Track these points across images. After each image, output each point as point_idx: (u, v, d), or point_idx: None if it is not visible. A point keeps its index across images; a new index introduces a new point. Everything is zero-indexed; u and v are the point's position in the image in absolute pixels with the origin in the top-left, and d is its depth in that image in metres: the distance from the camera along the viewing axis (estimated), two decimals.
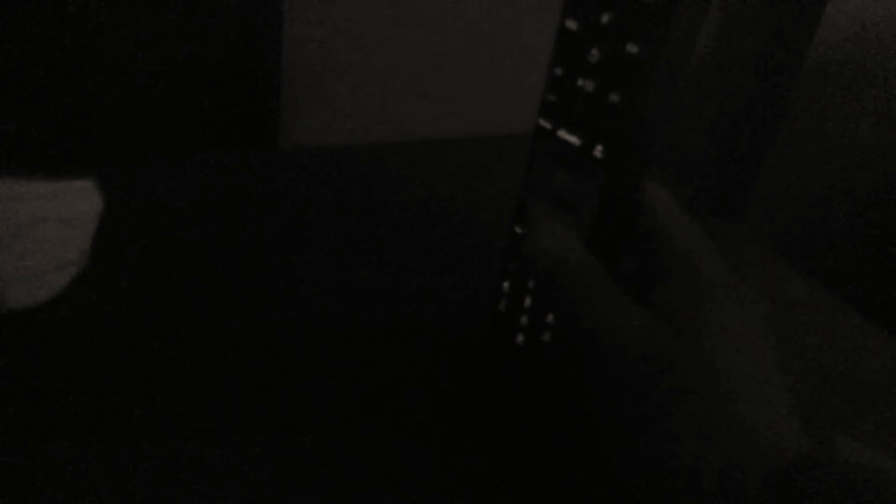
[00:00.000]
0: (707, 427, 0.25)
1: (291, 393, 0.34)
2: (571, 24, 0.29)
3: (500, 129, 1.39)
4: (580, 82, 0.28)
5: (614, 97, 0.27)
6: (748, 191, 1.65)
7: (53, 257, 0.39)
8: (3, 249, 0.39)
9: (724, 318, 0.27)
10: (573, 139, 0.29)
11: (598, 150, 0.28)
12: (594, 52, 0.28)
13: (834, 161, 1.59)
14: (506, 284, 0.35)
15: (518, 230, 0.34)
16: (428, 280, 0.44)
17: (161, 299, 0.39)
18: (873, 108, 1.56)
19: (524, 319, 0.35)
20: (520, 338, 0.35)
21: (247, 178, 0.53)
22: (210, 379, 0.34)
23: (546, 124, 0.30)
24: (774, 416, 0.26)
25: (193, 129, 1.04)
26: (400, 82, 1.28)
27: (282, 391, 0.34)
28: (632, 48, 0.26)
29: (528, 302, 0.34)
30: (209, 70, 0.99)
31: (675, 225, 0.30)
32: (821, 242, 1.66)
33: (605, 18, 0.27)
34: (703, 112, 1.55)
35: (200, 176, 0.53)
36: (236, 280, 0.42)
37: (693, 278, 0.28)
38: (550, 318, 0.33)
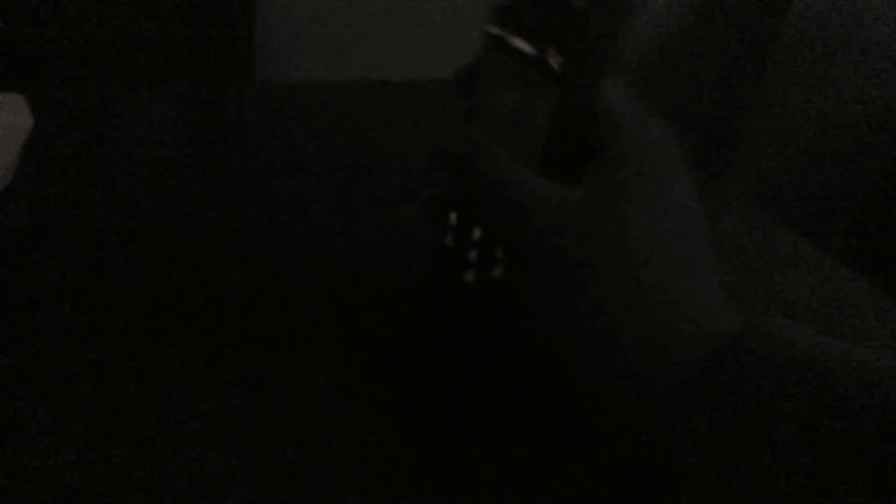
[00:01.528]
0: (636, 302, 0.24)
1: (263, 344, 0.32)
2: None
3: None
4: None
5: None
6: (731, 147, 1.63)
7: None
8: None
9: (663, 191, 0.26)
10: (526, 47, 0.26)
11: (553, 59, 0.26)
12: None
13: (816, 118, 1.57)
14: (452, 216, 0.33)
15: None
16: (390, 218, 0.42)
17: (104, 237, 0.37)
18: (853, 68, 1.53)
19: (473, 255, 0.33)
20: (469, 276, 0.33)
21: (208, 109, 0.51)
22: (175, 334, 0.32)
23: (496, 31, 0.27)
24: (706, 293, 0.25)
25: (167, 65, 1.00)
26: (373, 21, 1.24)
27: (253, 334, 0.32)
28: None
29: (477, 234, 0.32)
30: (183, 5, 0.95)
31: (625, 111, 0.28)
32: (803, 198, 1.66)
33: None
34: (685, 67, 1.53)
35: (167, 105, 0.50)
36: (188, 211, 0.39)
37: (633, 149, 0.26)
38: (499, 251, 0.31)
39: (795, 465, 0.21)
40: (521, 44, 0.27)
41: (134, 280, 0.34)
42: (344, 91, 0.57)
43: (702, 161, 1.62)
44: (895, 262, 1.58)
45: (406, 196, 0.44)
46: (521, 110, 0.28)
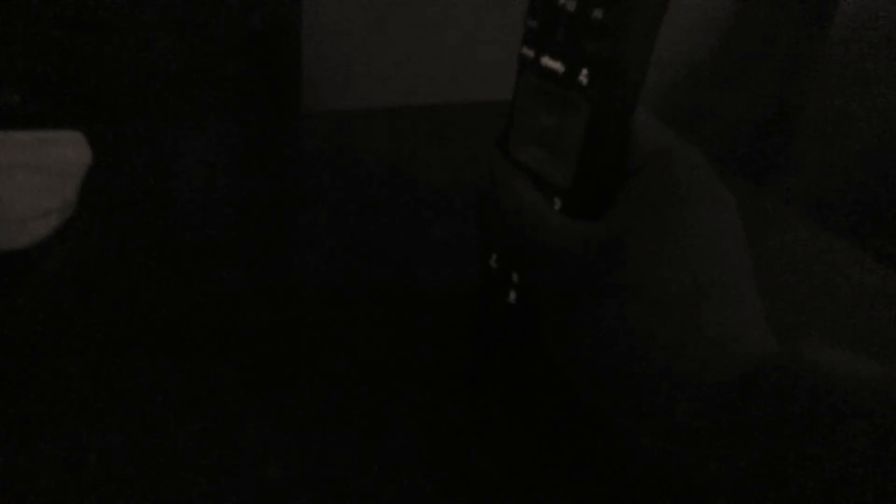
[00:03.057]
0: (673, 328, 0.24)
1: (292, 350, 0.32)
2: None
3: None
4: (561, 1, 0.26)
5: (597, 14, 0.25)
6: (780, 153, 1.59)
7: (36, 205, 0.38)
8: None
9: (698, 217, 0.26)
10: (556, 66, 0.27)
11: (584, 76, 0.26)
12: None
13: (870, 122, 1.52)
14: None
15: None
16: (438, 241, 0.42)
17: (154, 267, 0.38)
18: None
19: (516, 276, 0.33)
20: (512, 296, 0.33)
21: (258, 140, 0.52)
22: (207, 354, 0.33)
23: (529, 52, 0.28)
24: (742, 317, 0.25)
25: (217, 99, 1.03)
26: (417, 47, 1.26)
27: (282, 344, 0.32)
28: None
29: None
30: (230, 39, 0.98)
31: (658, 136, 0.28)
32: (855, 206, 1.60)
33: None
34: (732, 72, 1.50)
35: (217, 138, 0.51)
36: (234, 244, 0.41)
37: (667, 176, 0.26)
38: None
39: (828, 489, 0.20)
40: (553, 64, 0.27)
41: (187, 311, 0.35)
42: (390, 117, 0.58)
43: (749, 169, 1.59)
44: None
45: (453, 220, 0.44)
46: (557, 131, 0.28)
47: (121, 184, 0.44)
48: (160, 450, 0.27)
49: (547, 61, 0.27)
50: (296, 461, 0.27)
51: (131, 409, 0.29)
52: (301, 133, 0.54)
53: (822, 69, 1.50)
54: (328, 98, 1.25)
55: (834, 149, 1.55)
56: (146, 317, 0.34)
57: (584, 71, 0.26)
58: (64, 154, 0.42)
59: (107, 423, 0.28)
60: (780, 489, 0.21)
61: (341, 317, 0.35)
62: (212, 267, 0.38)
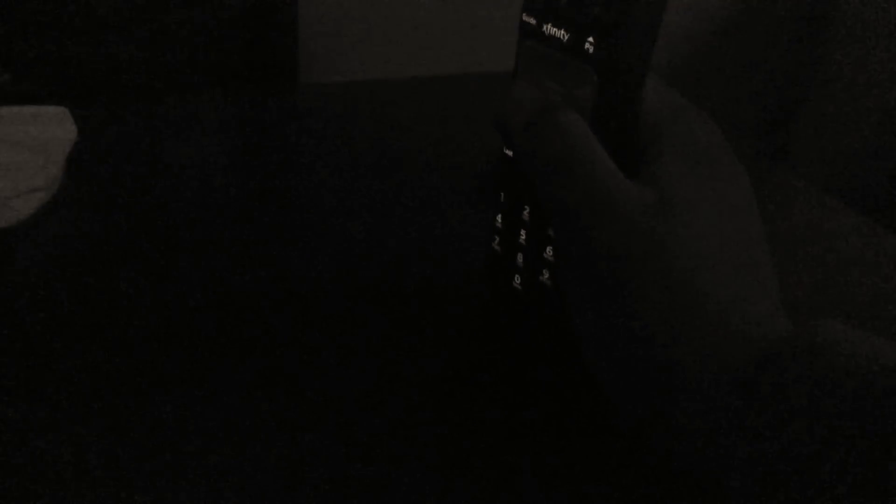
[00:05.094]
0: (688, 310, 0.23)
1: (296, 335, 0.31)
2: None
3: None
4: None
5: None
6: (795, 130, 1.57)
7: (19, 182, 0.37)
8: None
9: (710, 190, 0.24)
10: (560, 33, 0.25)
11: (589, 44, 0.24)
12: None
13: (882, 99, 1.49)
14: (498, 218, 0.32)
15: (508, 153, 0.30)
16: (434, 219, 0.41)
17: (145, 247, 0.37)
18: None
19: (521, 258, 0.31)
20: (518, 280, 0.32)
21: (253, 113, 0.51)
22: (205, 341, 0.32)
23: (530, 19, 0.26)
24: (756, 296, 0.24)
25: (211, 71, 1.01)
26: (416, 15, 1.23)
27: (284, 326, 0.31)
28: None
29: (523, 236, 0.31)
30: (224, 12, 0.96)
31: (665, 107, 0.26)
32: (870, 181, 1.58)
33: None
34: (747, 50, 1.47)
35: (211, 112, 0.50)
36: (227, 227, 0.39)
37: (677, 147, 0.25)
38: (549, 252, 0.30)
39: (841, 477, 0.19)
40: (556, 31, 0.25)
41: (179, 288, 0.33)
42: (387, 89, 0.56)
43: (762, 145, 1.57)
44: None
45: (455, 193, 0.43)
46: (562, 99, 0.26)
47: (108, 161, 0.43)
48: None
49: (550, 28, 0.25)
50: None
51: (120, 400, 0.28)
52: (298, 107, 0.52)
53: (825, 68, 1.47)
54: (326, 70, 1.23)
55: (836, 147, 1.53)
56: (132, 303, 0.32)
57: (590, 38, 0.24)
58: (48, 130, 0.40)
59: (87, 412, 0.27)
60: (800, 478, 0.20)
61: (342, 309, 0.34)
62: (205, 252, 0.36)
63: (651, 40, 0.25)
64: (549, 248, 0.30)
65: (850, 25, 1.44)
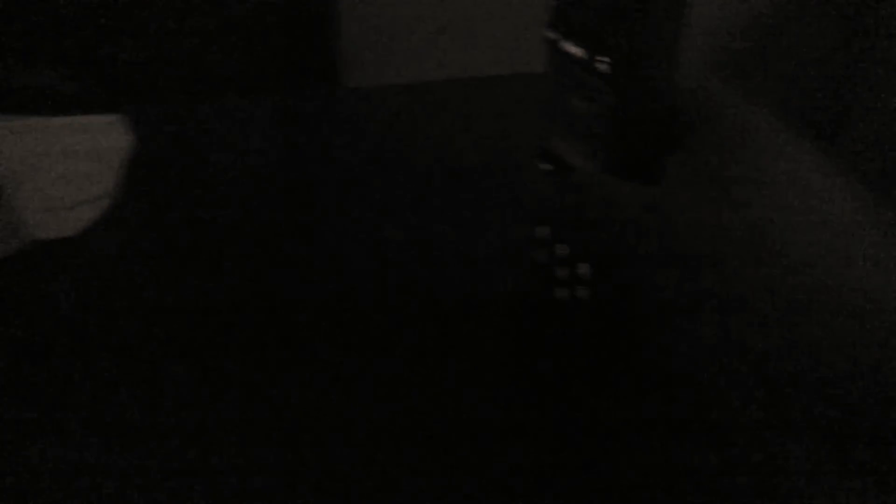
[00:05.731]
0: None
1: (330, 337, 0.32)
2: None
3: None
4: None
5: None
6: (849, 113, 1.52)
7: (78, 192, 0.39)
8: (32, 181, 0.39)
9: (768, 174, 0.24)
10: (576, 49, 0.26)
11: (601, 62, 0.25)
12: None
13: None
14: (539, 229, 0.32)
15: (544, 167, 0.31)
16: (472, 227, 0.41)
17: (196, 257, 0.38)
18: None
19: (560, 272, 0.32)
20: (559, 293, 0.32)
21: (297, 116, 0.52)
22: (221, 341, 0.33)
23: (552, 35, 0.27)
24: None
25: (256, 74, 1.03)
26: (458, 17, 1.23)
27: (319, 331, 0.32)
28: None
29: (562, 250, 0.31)
30: (267, 15, 0.98)
31: (711, 98, 0.26)
32: None
33: None
34: (801, 34, 1.43)
35: (256, 114, 0.51)
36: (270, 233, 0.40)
37: (730, 135, 0.25)
38: (586, 269, 0.30)
39: None
40: (571, 47, 0.26)
41: (232, 289, 0.34)
42: (431, 91, 0.56)
43: (821, 128, 1.52)
44: None
45: (499, 196, 0.42)
46: (584, 114, 0.27)
47: (159, 172, 0.44)
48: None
49: (567, 45, 0.26)
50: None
51: (168, 413, 0.29)
52: (339, 111, 0.52)
53: (873, 67, 1.42)
54: (369, 72, 1.24)
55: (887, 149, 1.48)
56: (184, 313, 0.33)
57: (604, 57, 0.25)
58: (101, 139, 0.42)
59: (146, 427, 0.28)
60: None
61: (371, 310, 0.34)
62: (251, 256, 0.37)
63: (668, 61, 0.25)
64: (585, 265, 0.30)
65: None
